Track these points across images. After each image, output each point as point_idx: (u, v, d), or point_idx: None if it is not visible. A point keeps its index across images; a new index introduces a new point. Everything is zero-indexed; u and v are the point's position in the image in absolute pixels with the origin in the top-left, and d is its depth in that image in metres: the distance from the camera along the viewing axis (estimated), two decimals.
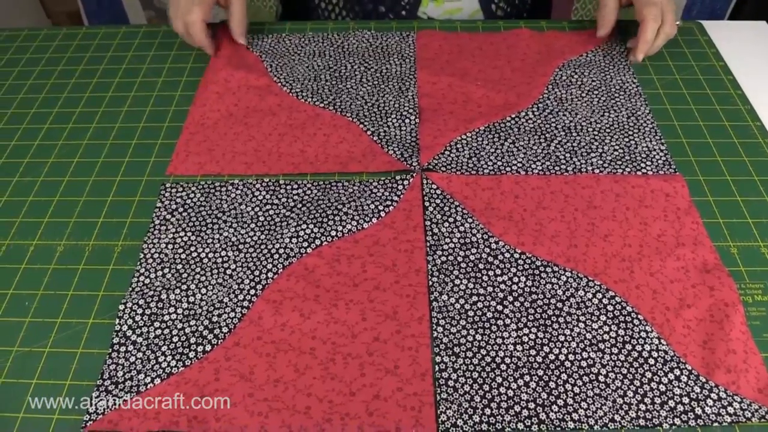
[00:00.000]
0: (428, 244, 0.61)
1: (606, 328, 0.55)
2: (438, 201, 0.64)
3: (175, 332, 0.55)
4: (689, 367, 0.52)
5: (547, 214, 0.63)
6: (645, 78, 0.80)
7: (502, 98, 0.76)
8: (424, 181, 0.66)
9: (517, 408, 0.50)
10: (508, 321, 0.55)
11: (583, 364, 0.53)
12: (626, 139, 0.71)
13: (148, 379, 0.52)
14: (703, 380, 0.51)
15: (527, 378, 0.52)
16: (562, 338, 0.54)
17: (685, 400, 0.50)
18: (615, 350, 0.53)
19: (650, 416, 0.50)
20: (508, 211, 0.64)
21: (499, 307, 0.56)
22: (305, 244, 0.61)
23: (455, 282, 0.58)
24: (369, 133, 0.72)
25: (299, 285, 0.58)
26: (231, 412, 0.50)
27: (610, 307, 0.56)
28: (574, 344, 0.54)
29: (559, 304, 0.56)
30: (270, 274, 0.59)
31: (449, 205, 0.64)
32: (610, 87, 0.78)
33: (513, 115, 0.74)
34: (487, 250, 0.60)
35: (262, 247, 0.61)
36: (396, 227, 0.62)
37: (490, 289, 0.57)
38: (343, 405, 0.50)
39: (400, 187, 0.66)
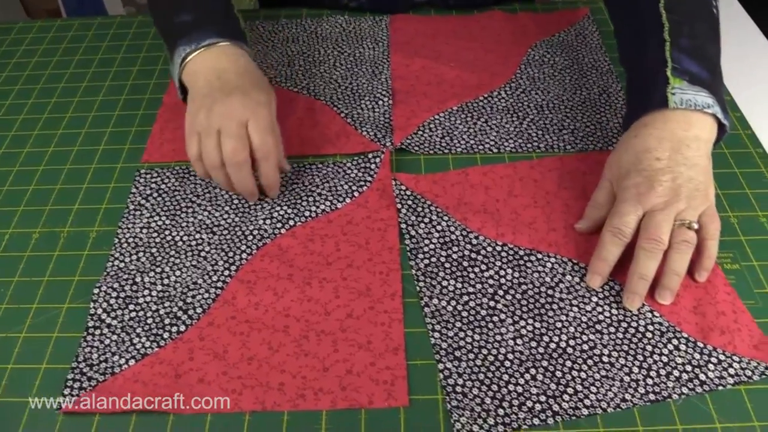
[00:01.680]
0: (408, 248, 0.59)
1: (599, 309, 0.54)
2: (410, 202, 0.63)
3: (149, 314, 0.55)
4: (685, 335, 0.53)
5: (521, 202, 0.63)
6: (616, 56, 0.80)
7: (476, 79, 0.77)
8: (393, 183, 0.64)
9: (529, 403, 0.48)
10: (503, 316, 0.54)
11: (585, 347, 0.52)
12: (598, 116, 0.72)
13: (123, 361, 0.52)
14: (701, 345, 0.52)
15: (533, 371, 0.50)
16: (559, 325, 0.53)
17: (688, 368, 0.50)
18: (612, 329, 0.53)
19: (658, 389, 0.49)
20: (481, 203, 0.63)
21: (492, 303, 0.55)
22: (279, 225, 0.61)
23: (443, 284, 0.56)
24: (343, 115, 0.72)
25: (273, 265, 0.58)
26: (205, 390, 0.50)
27: (599, 288, 0.56)
28: (572, 329, 0.53)
29: (550, 291, 0.56)
30: (244, 255, 0.59)
31: (421, 206, 0.62)
32: (582, 65, 0.79)
33: (486, 95, 0.75)
34: (469, 246, 0.59)
35: (236, 229, 0.62)
36: (369, 206, 0.63)
37: (479, 286, 0.56)
38: (316, 380, 0.50)
39: (373, 166, 0.66)
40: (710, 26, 0.61)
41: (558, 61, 0.80)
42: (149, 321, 0.55)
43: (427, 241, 0.59)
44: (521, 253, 0.59)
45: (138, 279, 0.58)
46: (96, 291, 0.57)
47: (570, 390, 0.49)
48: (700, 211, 0.55)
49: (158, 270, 0.58)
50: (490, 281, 0.57)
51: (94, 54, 0.85)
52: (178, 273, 0.58)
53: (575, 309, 0.55)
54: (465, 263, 0.58)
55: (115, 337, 0.54)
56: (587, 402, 0.49)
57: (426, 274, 0.57)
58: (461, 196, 0.63)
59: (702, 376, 0.50)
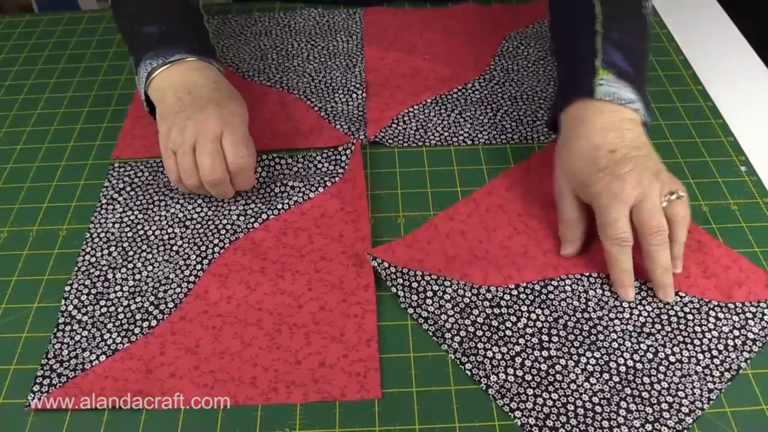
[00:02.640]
0: (430, 334, 0.53)
1: (637, 312, 0.53)
2: (401, 280, 0.55)
3: (120, 309, 0.55)
4: (714, 302, 0.54)
5: (502, 234, 0.59)
6: None
7: (450, 71, 0.77)
8: (373, 261, 0.56)
9: None
10: (563, 361, 0.50)
11: (649, 356, 0.51)
12: None
13: (93, 357, 0.51)
14: (732, 306, 0.53)
15: (624, 404, 0.48)
16: (615, 345, 0.51)
17: (735, 332, 0.52)
18: (658, 327, 0.52)
19: (728, 366, 0.50)
20: (468, 251, 0.58)
21: (545, 353, 0.51)
22: (252, 220, 0.61)
23: (488, 356, 0.51)
24: (316, 109, 0.72)
25: (246, 258, 0.58)
26: (176, 385, 0.50)
27: (644, 308, 0.54)
28: (628, 344, 0.51)
29: (585, 314, 0.53)
30: (217, 249, 0.59)
31: (416, 281, 0.55)
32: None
33: (460, 87, 0.75)
34: (486, 303, 0.54)
35: (209, 222, 0.61)
36: (342, 197, 0.62)
37: (522, 341, 0.52)
38: (288, 374, 0.50)
39: (344, 158, 0.66)
40: (640, 25, 0.62)
41: (531, 52, 0.80)
42: (120, 316, 0.54)
43: (444, 317, 0.53)
44: (537, 287, 0.55)
45: (110, 275, 0.57)
46: (67, 288, 0.56)
47: (665, 405, 0.48)
48: (673, 180, 0.55)
49: (130, 265, 0.58)
50: (528, 330, 0.52)
51: (63, 49, 0.83)
52: (150, 268, 0.58)
53: (617, 322, 0.53)
54: (495, 323, 0.53)
55: (85, 333, 0.53)
56: (685, 409, 0.48)
57: (467, 353, 0.51)
58: (444, 251, 0.58)
59: (750, 335, 0.52)
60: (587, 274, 0.56)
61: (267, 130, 0.70)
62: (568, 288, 0.55)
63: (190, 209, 0.62)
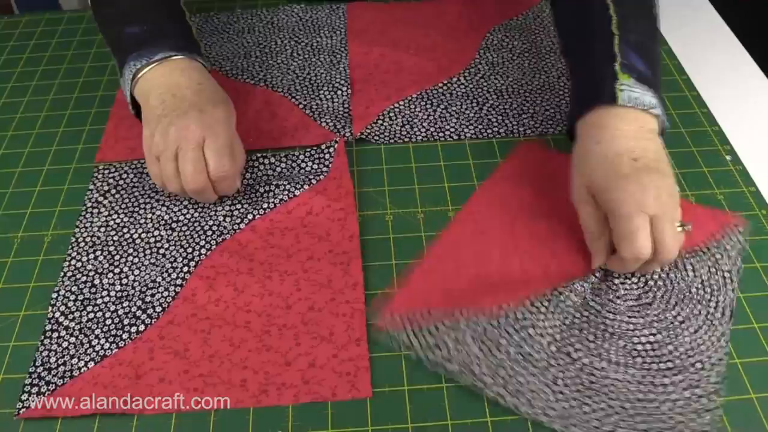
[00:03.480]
0: (470, 387, 0.50)
1: (627, 287, 0.55)
2: (419, 340, 0.51)
3: (108, 315, 0.54)
4: (683, 253, 0.57)
5: (493, 258, 0.57)
6: None
7: (434, 65, 0.76)
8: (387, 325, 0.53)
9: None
10: (603, 364, 0.50)
11: (659, 324, 0.52)
12: (557, 99, 0.72)
13: (82, 363, 0.51)
14: (699, 251, 0.57)
15: (659, 381, 0.49)
16: (628, 327, 0.52)
17: (713, 271, 0.56)
18: (651, 295, 0.54)
19: (722, 307, 0.53)
20: (468, 281, 0.56)
21: (577, 365, 0.50)
22: (238, 221, 0.61)
23: (533, 389, 0.49)
24: (301, 106, 0.72)
25: (233, 260, 0.57)
26: (166, 389, 0.49)
27: (630, 281, 0.55)
28: (636, 320, 0.52)
29: (590, 310, 0.54)
30: (203, 251, 0.58)
31: (433, 333, 0.52)
32: (540, 49, 0.79)
33: (445, 81, 0.74)
34: (510, 330, 0.52)
35: (195, 224, 0.61)
36: (328, 194, 0.62)
37: (563, 362, 0.51)
38: (278, 375, 0.50)
39: (327, 156, 0.66)
40: (652, 25, 0.60)
41: (516, 45, 0.79)
42: (108, 322, 0.54)
43: (478, 361, 0.50)
44: (549, 296, 0.54)
45: (96, 280, 0.57)
46: (54, 294, 0.56)
47: (692, 369, 0.50)
48: (678, 208, 0.53)
49: (117, 270, 0.57)
50: (564, 347, 0.51)
51: (43, 51, 0.82)
52: (137, 272, 0.57)
53: (619, 302, 0.54)
54: (527, 348, 0.51)
55: (73, 340, 0.53)
56: (708, 365, 0.50)
57: (516, 394, 0.49)
58: (443, 287, 0.55)
59: (725, 267, 0.56)
60: (588, 275, 0.55)
61: (252, 129, 0.69)
62: (578, 288, 0.54)
63: (176, 212, 0.62)
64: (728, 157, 0.66)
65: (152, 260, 0.58)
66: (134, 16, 0.63)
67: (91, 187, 0.64)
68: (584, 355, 0.51)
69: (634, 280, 0.55)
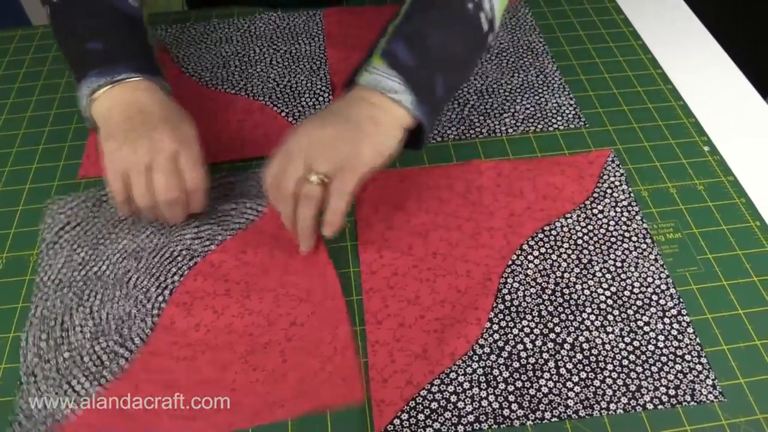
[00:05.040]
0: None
1: (567, 259, 0.59)
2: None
3: (84, 353, 0.53)
4: (578, 207, 0.63)
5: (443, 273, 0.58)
6: (551, 36, 0.82)
7: None
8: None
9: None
10: (584, 337, 0.54)
11: (613, 287, 0.57)
12: (537, 97, 0.73)
13: (63, 405, 0.49)
14: (588, 207, 0.63)
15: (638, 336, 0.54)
16: (586, 293, 0.56)
17: (622, 227, 0.61)
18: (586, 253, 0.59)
19: (646, 255, 0.59)
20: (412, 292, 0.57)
21: (567, 346, 0.53)
22: (207, 243, 0.59)
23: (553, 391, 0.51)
24: (284, 114, 0.71)
25: (207, 282, 0.56)
26: (155, 421, 0.48)
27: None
28: (595, 289, 0.57)
29: (550, 292, 0.57)
30: (176, 278, 0.57)
31: (422, 412, 0.50)
32: (518, 48, 0.80)
33: None
34: (493, 356, 0.53)
35: (164, 251, 0.59)
36: None
37: (546, 354, 0.53)
38: (269, 394, 0.49)
39: None
40: (457, 29, 0.57)
41: (495, 44, 0.80)
42: (86, 360, 0.52)
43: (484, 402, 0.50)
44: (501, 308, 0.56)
45: (66, 319, 0.55)
46: (23, 344, 0.53)
47: (667, 320, 0.55)
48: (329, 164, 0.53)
49: (86, 308, 0.55)
50: (549, 333, 0.54)
51: (18, 68, 0.81)
52: (109, 306, 0.55)
53: (568, 275, 0.58)
54: (516, 364, 0.52)
55: (52, 382, 0.51)
56: (674, 311, 0.55)
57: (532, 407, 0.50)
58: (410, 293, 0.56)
59: (632, 198, 0.63)
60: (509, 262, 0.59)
61: (236, 139, 0.69)
62: (516, 280, 0.57)
63: (142, 238, 0.60)
64: (706, 148, 0.68)
65: (123, 293, 0.56)
66: (96, 32, 0.61)
67: (44, 225, 0.62)
68: (568, 333, 0.54)
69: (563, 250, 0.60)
